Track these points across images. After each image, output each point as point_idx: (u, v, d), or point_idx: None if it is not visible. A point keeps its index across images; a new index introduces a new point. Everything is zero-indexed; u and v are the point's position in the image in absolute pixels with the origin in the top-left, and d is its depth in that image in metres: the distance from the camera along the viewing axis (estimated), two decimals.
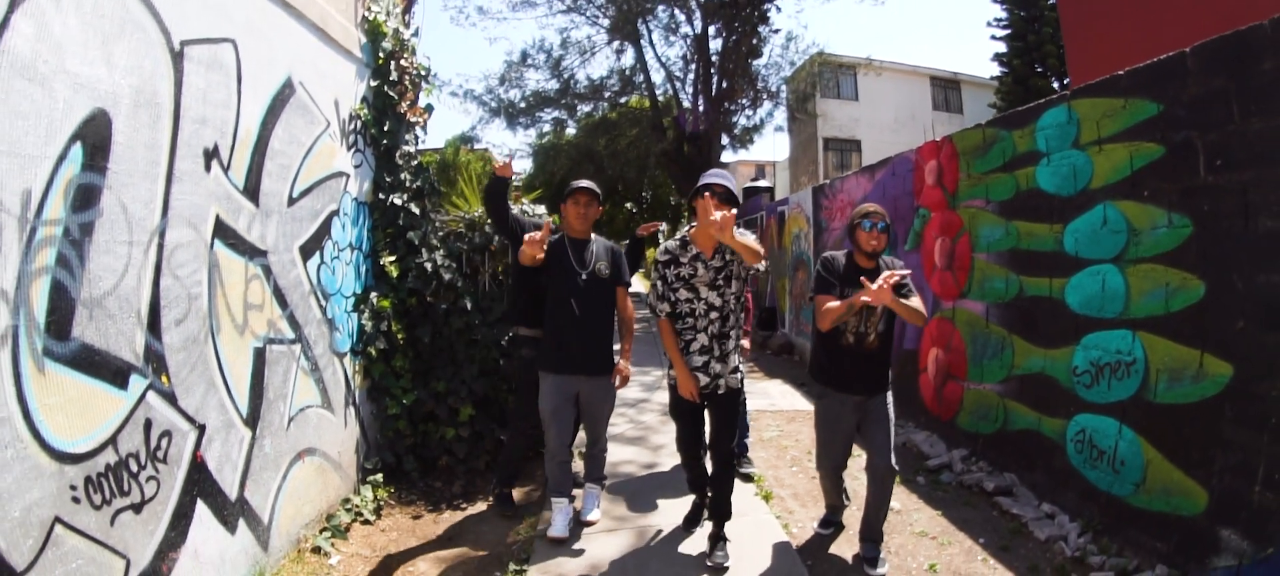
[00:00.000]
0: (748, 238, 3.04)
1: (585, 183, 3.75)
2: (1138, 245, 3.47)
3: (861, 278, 3.08)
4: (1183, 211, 3.24)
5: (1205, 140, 3.14)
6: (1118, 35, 9.24)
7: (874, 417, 3.30)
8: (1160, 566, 3.15)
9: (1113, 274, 3.62)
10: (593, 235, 3.78)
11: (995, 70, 23.78)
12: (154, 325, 2.44)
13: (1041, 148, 4.19)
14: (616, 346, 3.84)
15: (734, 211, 2.96)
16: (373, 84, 4.33)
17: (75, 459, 2.11)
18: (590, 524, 3.77)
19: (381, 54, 4.34)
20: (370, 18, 4.23)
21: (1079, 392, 3.83)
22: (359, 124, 4.17)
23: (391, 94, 4.34)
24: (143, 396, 2.38)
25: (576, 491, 3.96)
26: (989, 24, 25.99)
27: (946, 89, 25.69)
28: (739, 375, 3.34)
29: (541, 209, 5.35)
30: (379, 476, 4.17)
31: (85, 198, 2.15)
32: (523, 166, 20.75)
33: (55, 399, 2.04)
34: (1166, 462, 3.26)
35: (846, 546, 3.59)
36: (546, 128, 18.13)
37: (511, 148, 22.34)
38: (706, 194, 3.01)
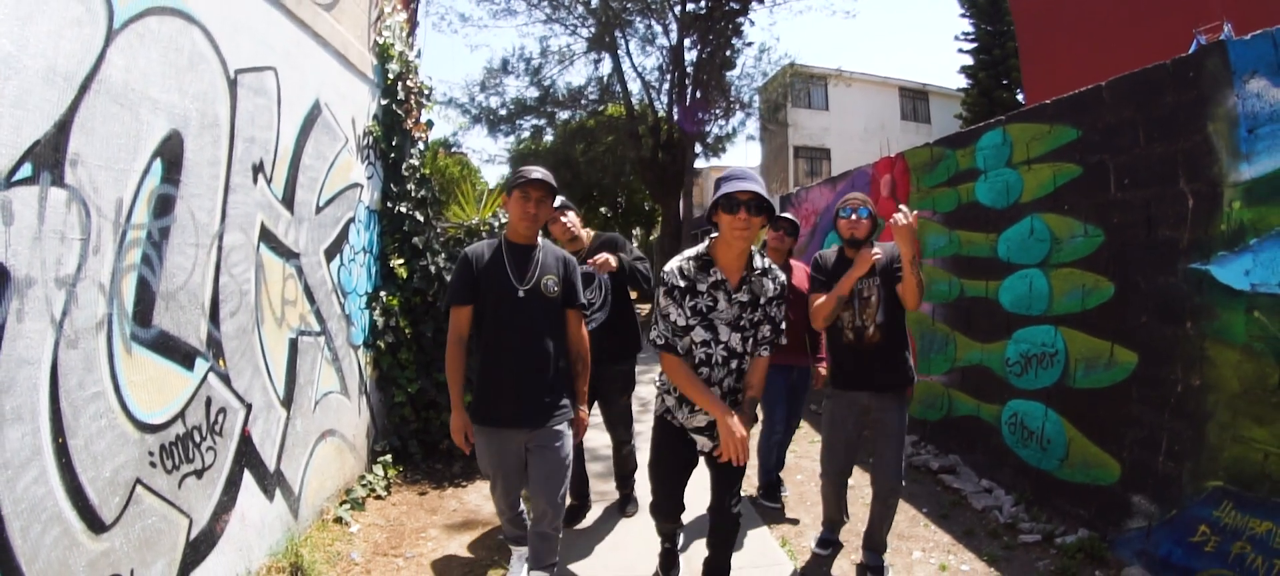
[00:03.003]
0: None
1: (539, 173, 2.78)
2: (1059, 252, 3.97)
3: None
4: (1096, 223, 3.72)
5: (1116, 162, 3.62)
6: (1070, 59, 9.90)
7: (883, 429, 3.11)
8: (1082, 530, 3.58)
9: (1039, 277, 4.12)
10: (541, 240, 2.91)
11: (963, 82, 24.35)
12: (214, 316, 2.82)
13: (980, 166, 4.71)
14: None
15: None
16: (382, 103, 4.72)
17: (153, 429, 2.45)
18: None
19: (390, 75, 4.73)
20: (381, 42, 4.64)
21: (1011, 381, 4.32)
22: (371, 139, 4.56)
23: (399, 111, 4.74)
24: (205, 377, 2.75)
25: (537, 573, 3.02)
26: (956, 38, 26.67)
27: (915, 99, 26.33)
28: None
29: None
30: (388, 457, 4.55)
31: (163, 206, 2.50)
32: (501, 172, 21.04)
33: (139, 377, 2.38)
34: (1085, 439, 3.73)
35: (848, 566, 3.51)
36: (526, 134, 18.52)
37: (491, 153, 22.64)
38: (741, 209, 2.31)
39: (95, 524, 2.15)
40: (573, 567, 3.42)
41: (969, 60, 24.00)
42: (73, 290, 2.06)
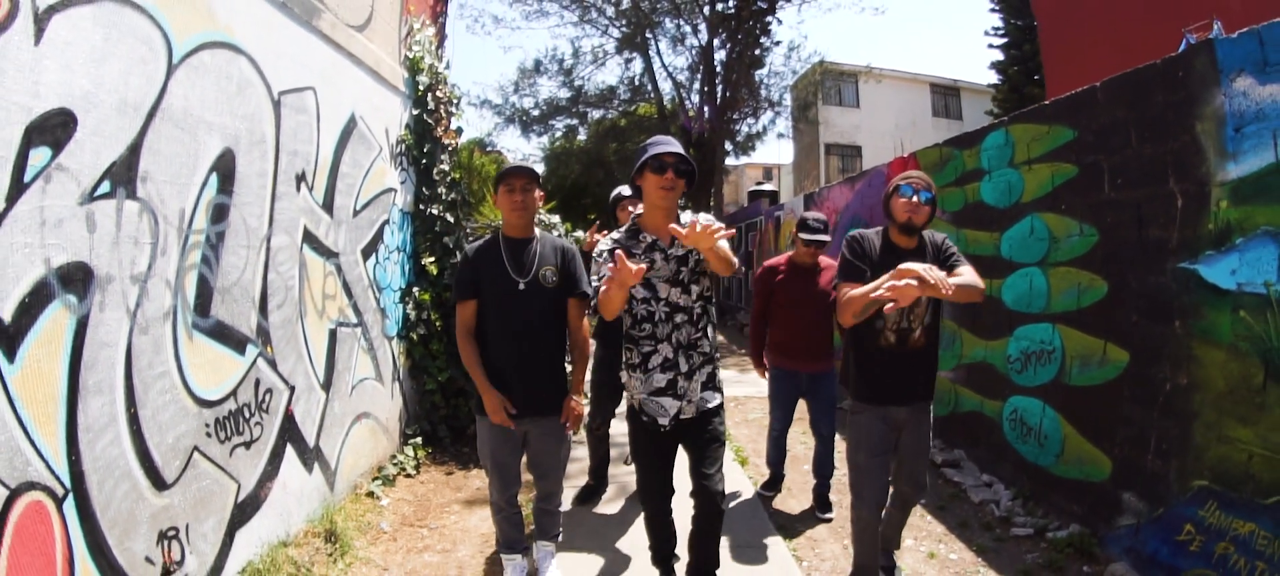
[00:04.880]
0: (724, 246, 2.30)
1: (519, 164, 2.90)
2: (1057, 251, 4.06)
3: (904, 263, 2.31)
4: (1091, 222, 3.80)
5: (1109, 162, 3.68)
6: (1091, 57, 9.78)
7: (912, 441, 2.81)
8: (1074, 525, 3.65)
9: (1038, 275, 4.21)
10: (537, 232, 2.98)
11: (994, 78, 23.53)
12: (263, 308, 3.19)
13: (985, 166, 4.83)
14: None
15: (715, 226, 2.13)
16: (414, 113, 5.08)
17: (209, 404, 2.81)
18: None
19: (420, 87, 5.09)
20: (411, 57, 5.01)
21: (1012, 377, 4.42)
22: (403, 147, 4.93)
23: (429, 121, 5.09)
24: (254, 361, 3.12)
25: (544, 543, 3.22)
26: (986, 33, 26.06)
27: (946, 96, 25.91)
28: (719, 395, 2.59)
29: (555, 218, 6.03)
30: (418, 440, 4.92)
31: (219, 213, 2.86)
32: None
33: (198, 359, 2.74)
34: (1079, 436, 3.80)
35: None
36: (559, 134, 18.88)
37: (526, 152, 23.01)
38: (669, 170, 2.38)
39: (158, 482, 2.51)
40: (586, 543, 3.67)
41: (999, 55, 23.18)
42: (144, 286, 2.42)
